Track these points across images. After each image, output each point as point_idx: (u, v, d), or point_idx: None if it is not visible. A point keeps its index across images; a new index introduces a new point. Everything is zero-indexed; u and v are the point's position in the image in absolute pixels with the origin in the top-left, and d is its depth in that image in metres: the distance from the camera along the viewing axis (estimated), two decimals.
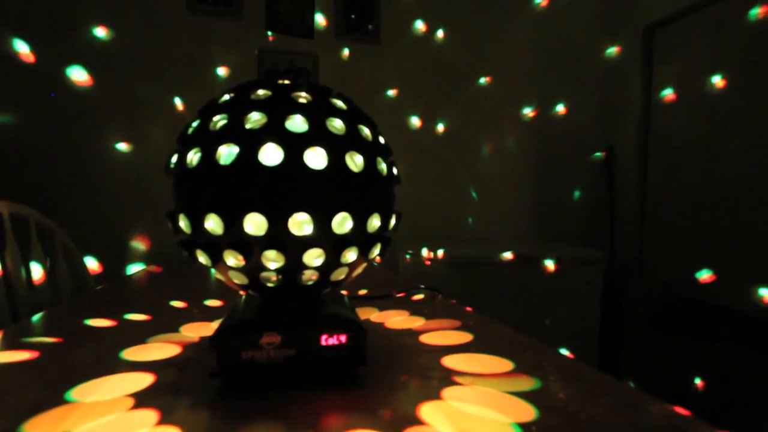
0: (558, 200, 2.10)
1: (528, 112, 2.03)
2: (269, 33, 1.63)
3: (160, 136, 1.54)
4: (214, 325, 0.58)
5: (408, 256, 1.64)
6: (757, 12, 1.56)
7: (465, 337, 0.52)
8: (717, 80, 1.71)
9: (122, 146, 1.51)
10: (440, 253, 1.44)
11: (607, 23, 2.12)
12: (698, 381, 1.39)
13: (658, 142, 1.97)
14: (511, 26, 1.97)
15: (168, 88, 1.55)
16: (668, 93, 1.92)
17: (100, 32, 1.46)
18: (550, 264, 1.48)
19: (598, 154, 2.14)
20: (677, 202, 1.88)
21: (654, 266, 1.97)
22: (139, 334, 0.53)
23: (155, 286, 0.89)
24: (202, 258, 0.38)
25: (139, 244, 1.54)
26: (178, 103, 1.56)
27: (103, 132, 1.49)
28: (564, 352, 0.47)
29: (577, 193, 2.12)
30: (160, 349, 0.47)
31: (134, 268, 1.53)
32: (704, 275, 1.72)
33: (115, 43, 1.48)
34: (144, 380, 0.38)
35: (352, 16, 1.72)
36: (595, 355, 1.61)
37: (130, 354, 0.46)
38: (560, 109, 2.07)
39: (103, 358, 0.44)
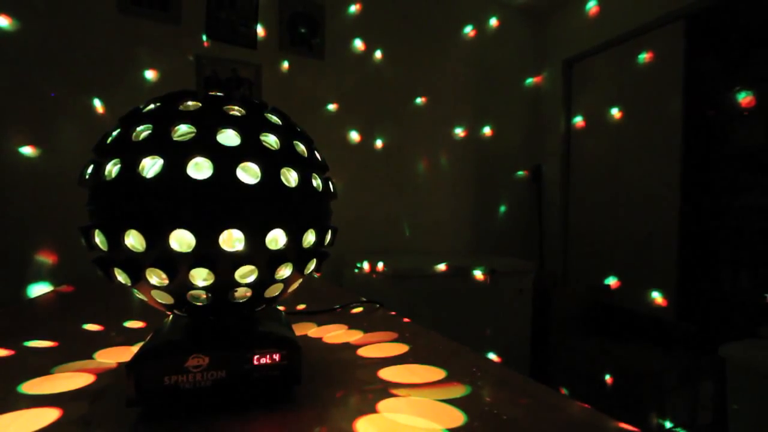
0: (491, 215, 2.24)
1: (459, 131, 2.14)
2: (204, 38, 1.57)
3: (74, 140, 1.40)
4: (135, 349, 0.53)
5: (356, 270, 1.64)
6: (644, 56, 1.81)
7: (401, 349, 0.54)
8: (615, 112, 1.95)
9: (27, 150, 1.35)
10: (380, 265, 1.46)
11: (534, 55, 2.33)
12: (608, 377, 1.54)
13: (577, 164, 2.19)
14: (443, 52, 2.09)
15: (86, 88, 1.41)
16: (579, 120, 2.15)
17: (2, 21, 1.31)
18: (484, 274, 1.56)
19: (520, 172, 2.31)
20: (592, 216, 2.09)
21: (576, 274, 2.16)
22: (43, 364, 0.47)
23: (65, 309, 0.80)
24: (121, 277, 0.35)
25: (45, 261, 1.37)
26: (98, 105, 1.43)
27: (3, 133, 1.32)
28: (492, 357, 0.50)
29: (503, 208, 2.27)
30: (69, 379, 0.42)
31: (38, 289, 1.35)
32: (611, 281, 1.93)
33: (21, 34, 1.33)
34: (47, 416, 0.34)
35: (302, 30, 1.71)
36: (528, 358, 1.72)
37: (31, 387, 0.41)
38: (492, 130, 2.22)
39: None
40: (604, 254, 2.00)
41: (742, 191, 1.58)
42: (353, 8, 1.86)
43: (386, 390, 0.40)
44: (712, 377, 1.49)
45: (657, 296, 1.75)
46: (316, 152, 0.41)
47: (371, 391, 0.40)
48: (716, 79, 1.65)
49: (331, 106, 1.82)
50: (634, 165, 1.88)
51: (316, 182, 0.39)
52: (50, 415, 0.35)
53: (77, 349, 0.53)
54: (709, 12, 1.64)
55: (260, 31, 1.67)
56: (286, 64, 1.72)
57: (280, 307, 0.67)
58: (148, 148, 0.33)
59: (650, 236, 1.79)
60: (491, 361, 0.49)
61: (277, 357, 0.37)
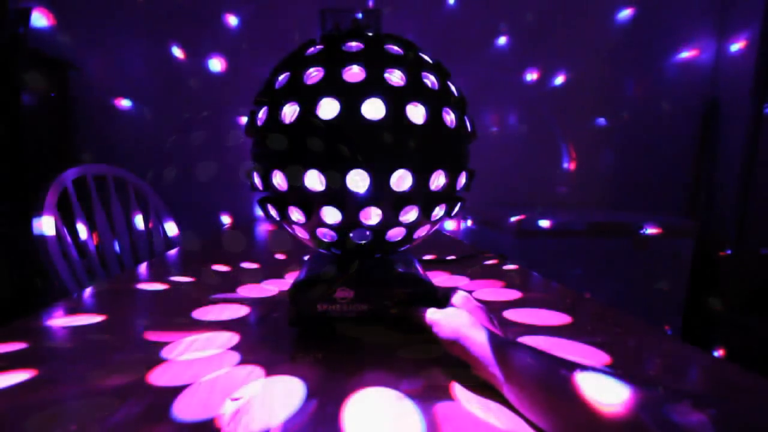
0: (637, 165, 1.83)
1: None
2: None
3: (158, 90, 1.58)
4: (288, 280, 0.63)
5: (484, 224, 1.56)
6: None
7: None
8: None
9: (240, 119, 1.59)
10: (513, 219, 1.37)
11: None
12: None
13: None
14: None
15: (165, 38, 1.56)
16: None
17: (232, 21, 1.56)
18: (635, 238, 1.32)
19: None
20: None
21: (755, 240, 1.67)
22: (253, 277, 0.63)
23: (257, 241, 0.99)
24: (274, 213, 0.38)
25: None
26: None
27: (225, 108, 1.59)
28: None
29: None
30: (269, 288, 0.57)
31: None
32: None
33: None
34: (225, 337, 0.41)
35: None
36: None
37: (245, 291, 0.57)
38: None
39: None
40: None
41: None
42: None
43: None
44: None
45: None
46: (451, 85, 0.38)
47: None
48: None
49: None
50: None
51: (449, 118, 0.36)
52: (226, 336, 0.41)
53: (272, 270, 0.68)
54: None
55: None
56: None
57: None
58: (286, 94, 0.34)
59: None
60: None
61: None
